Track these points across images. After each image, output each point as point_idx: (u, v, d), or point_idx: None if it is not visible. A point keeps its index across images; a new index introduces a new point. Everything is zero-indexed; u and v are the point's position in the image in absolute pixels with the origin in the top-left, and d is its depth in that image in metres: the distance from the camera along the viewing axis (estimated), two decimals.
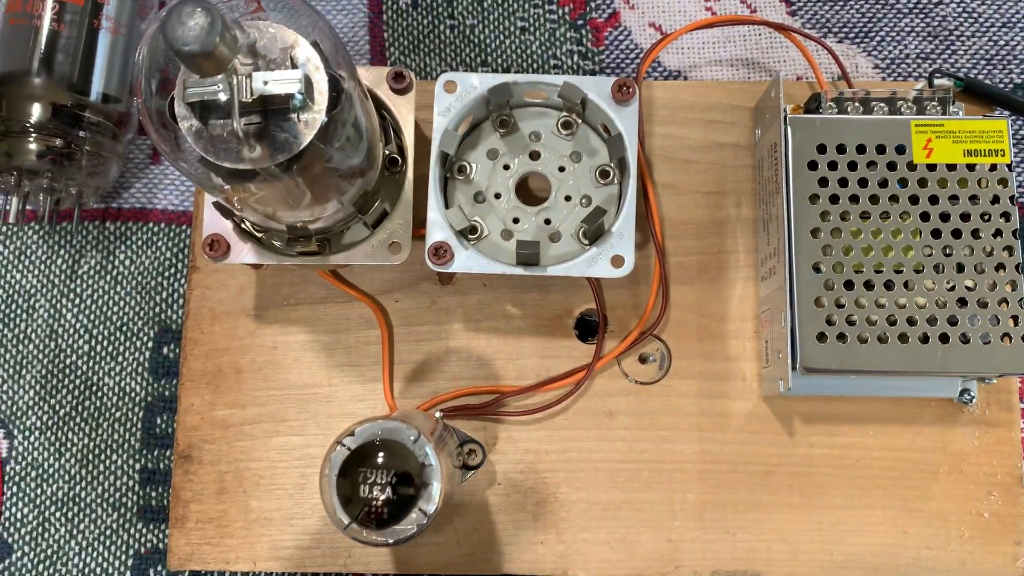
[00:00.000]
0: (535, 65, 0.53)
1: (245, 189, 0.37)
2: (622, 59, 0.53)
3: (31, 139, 0.46)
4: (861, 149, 0.44)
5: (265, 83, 0.34)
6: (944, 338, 0.43)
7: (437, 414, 0.46)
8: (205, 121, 0.34)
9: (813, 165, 0.44)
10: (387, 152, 0.44)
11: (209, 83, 0.33)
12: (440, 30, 0.54)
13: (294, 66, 0.35)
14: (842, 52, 0.53)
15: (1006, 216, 0.44)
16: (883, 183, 0.44)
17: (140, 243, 0.52)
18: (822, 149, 0.44)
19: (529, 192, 0.47)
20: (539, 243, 0.44)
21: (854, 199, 0.44)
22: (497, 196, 0.46)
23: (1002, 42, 0.53)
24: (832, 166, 0.44)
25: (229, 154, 0.35)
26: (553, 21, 0.54)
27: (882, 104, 0.46)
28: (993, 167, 0.44)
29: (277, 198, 0.39)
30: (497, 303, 0.49)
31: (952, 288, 0.43)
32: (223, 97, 0.33)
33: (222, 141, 0.34)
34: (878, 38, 0.53)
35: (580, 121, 0.47)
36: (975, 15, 0.53)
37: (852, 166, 0.44)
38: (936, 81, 0.49)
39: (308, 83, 0.35)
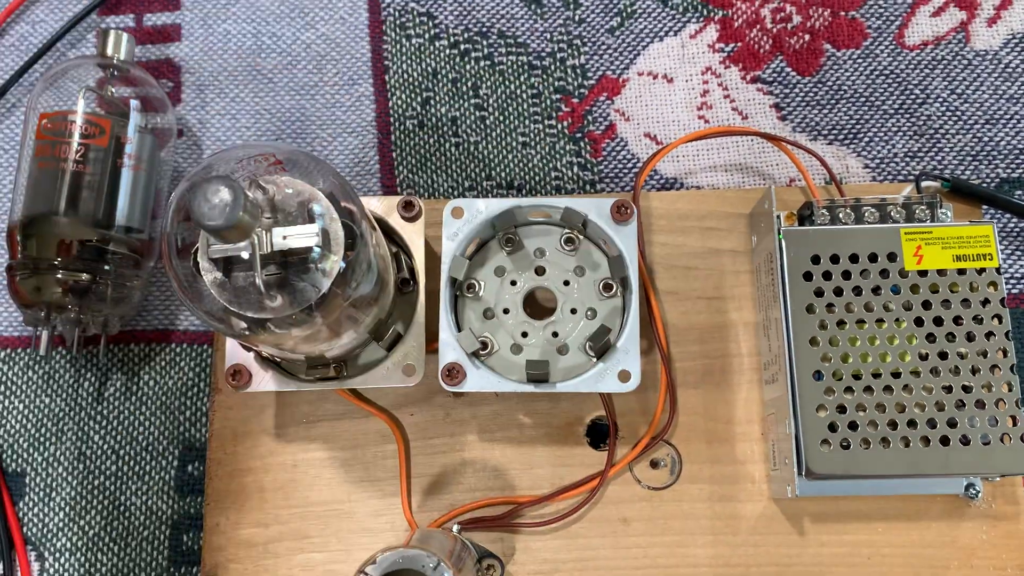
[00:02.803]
0: (537, 177, 0.56)
1: (267, 333, 0.39)
2: (620, 168, 0.56)
3: (59, 275, 0.48)
4: (854, 258, 0.46)
5: (284, 238, 0.36)
6: (945, 440, 0.44)
7: (455, 528, 0.47)
8: (228, 274, 0.37)
9: (808, 276, 0.46)
10: (399, 276, 0.46)
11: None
12: (446, 148, 0.57)
13: (311, 219, 0.37)
14: (832, 153, 0.55)
15: (998, 318, 0.45)
16: (876, 290, 0.46)
17: (163, 364, 0.54)
18: (816, 260, 0.46)
19: (536, 306, 0.49)
20: (548, 362, 0.45)
21: (849, 307, 0.45)
22: (506, 311, 0.48)
23: (986, 138, 0.55)
24: (826, 276, 0.46)
25: (251, 304, 0.37)
26: (553, 135, 0.56)
27: (873, 209, 0.48)
28: (982, 271, 0.46)
29: (297, 337, 0.41)
30: (509, 413, 0.50)
31: (950, 390, 0.44)
32: (245, 255, 0.35)
33: (244, 292, 0.36)
34: (866, 139, 0.56)
35: (582, 237, 0.49)
36: (959, 113, 0.56)
37: (846, 275, 0.46)
38: (924, 184, 0.51)
39: (325, 234, 0.37)
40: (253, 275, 0.36)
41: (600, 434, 0.50)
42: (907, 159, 0.55)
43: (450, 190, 0.56)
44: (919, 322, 0.45)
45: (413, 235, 0.48)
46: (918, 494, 0.48)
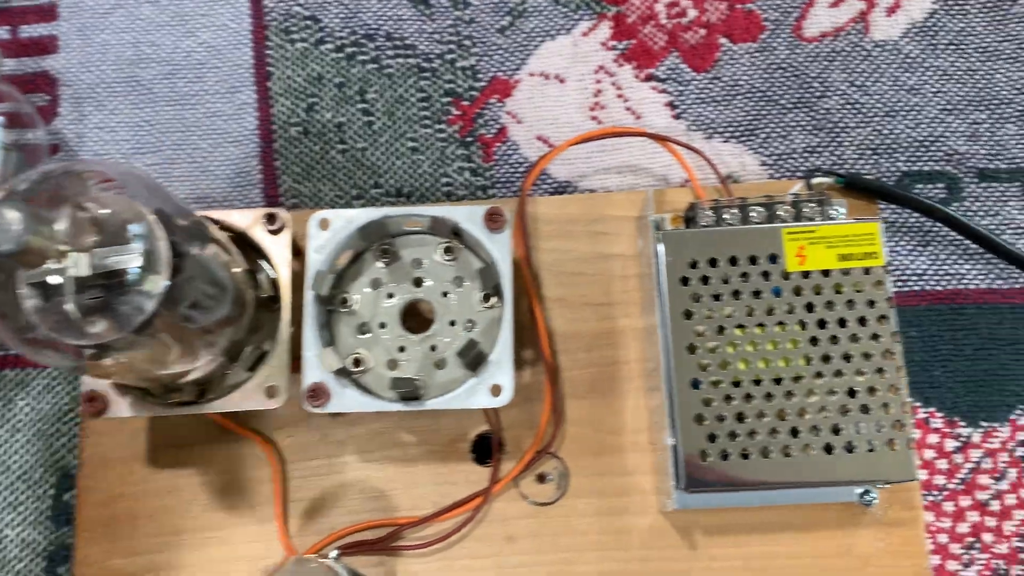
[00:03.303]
0: (427, 184, 0.54)
1: (101, 360, 0.37)
2: (512, 172, 0.54)
3: None
4: (733, 261, 0.44)
5: (104, 259, 0.34)
6: (828, 448, 0.42)
7: (333, 554, 0.45)
8: (49, 299, 0.35)
9: (685, 281, 0.44)
10: (260, 295, 0.44)
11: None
12: (331, 156, 0.55)
13: (134, 238, 0.35)
14: (729, 151, 0.54)
15: (883, 318, 0.43)
16: (757, 294, 0.44)
17: (39, 389, 0.52)
18: (694, 264, 0.44)
19: (414, 320, 0.47)
20: (414, 379, 0.43)
21: (729, 312, 0.44)
22: (382, 326, 0.46)
23: (886, 131, 0.54)
24: (705, 280, 0.44)
25: (72, 330, 0.35)
26: (443, 140, 0.55)
27: (760, 209, 0.47)
28: (867, 270, 0.44)
29: (137, 362, 0.39)
30: (390, 432, 0.48)
31: (834, 395, 0.43)
32: (56, 280, 0.33)
33: (64, 318, 0.34)
34: (764, 135, 0.54)
35: (462, 246, 0.47)
36: (858, 106, 0.54)
37: (725, 279, 0.44)
38: (815, 180, 0.50)
39: (149, 255, 0.35)
40: (69, 299, 0.34)
41: (486, 449, 0.49)
42: (806, 154, 0.54)
43: (336, 199, 0.54)
44: (802, 325, 0.43)
45: (279, 248, 0.46)
46: (813, 503, 0.46)
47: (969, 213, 0.52)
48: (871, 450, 0.42)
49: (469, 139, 0.55)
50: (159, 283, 0.35)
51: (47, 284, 0.34)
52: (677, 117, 0.54)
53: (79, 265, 0.33)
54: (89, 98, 0.56)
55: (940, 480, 0.49)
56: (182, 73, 0.56)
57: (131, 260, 0.34)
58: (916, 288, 0.51)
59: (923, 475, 0.49)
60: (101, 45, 0.57)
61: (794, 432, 0.42)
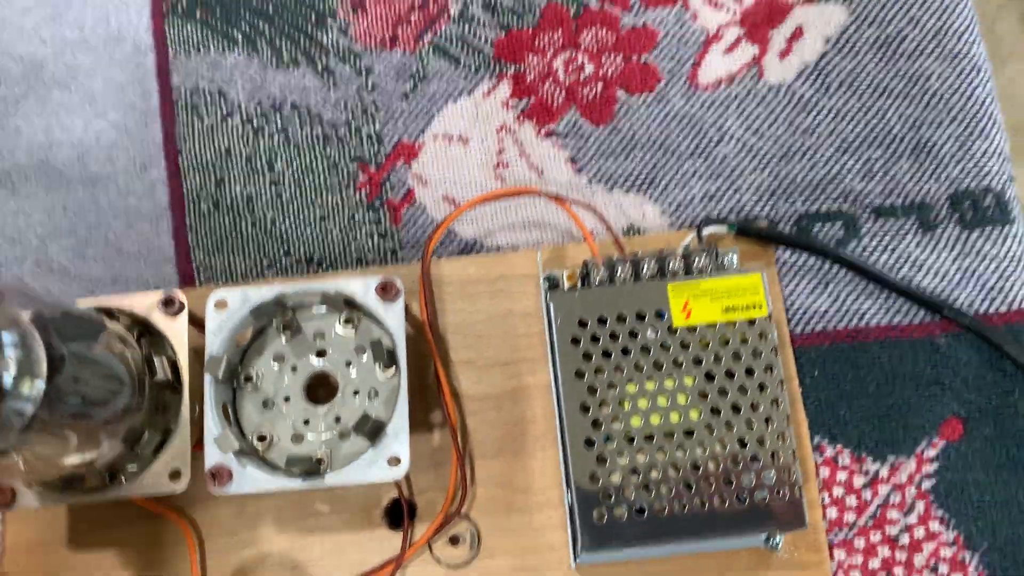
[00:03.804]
0: (337, 250, 0.55)
1: None
2: (420, 234, 0.55)
3: None
4: (622, 318, 0.45)
5: None
6: (722, 499, 0.43)
7: None
8: None
9: (576, 340, 0.45)
10: (160, 379, 0.45)
11: None
12: (242, 227, 0.56)
13: (7, 346, 0.36)
14: (630, 202, 0.55)
15: (769, 369, 0.44)
16: (646, 349, 0.45)
17: None
18: (583, 323, 0.45)
19: (318, 392, 0.48)
20: (311, 457, 0.44)
21: (619, 369, 0.45)
22: (286, 399, 0.47)
23: (782, 174, 0.55)
24: (594, 339, 0.45)
25: None
26: (351, 206, 0.56)
27: (652, 262, 0.48)
28: (752, 321, 0.45)
29: (36, 458, 0.40)
30: (305, 502, 0.49)
31: (725, 446, 0.44)
32: None
33: None
34: (663, 185, 0.55)
35: (362, 315, 0.48)
36: (753, 151, 0.55)
37: (614, 336, 0.45)
38: (706, 231, 0.51)
39: (24, 360, 0.36)
40: None
41: (399, 514, 0.49)
42: (705, 201, 0.55)
43: (248, 270, 0.55)
44: (691, 379, 0.44)
45: (177, 331, 0.46)
46: (724, 550, 0.47)
47: (867, 250, 0.53)
48: (763, 499, 0.43)
49: (377, 203, 0.56)
50: (36, 386, 0.36)
51: None
52: (579, 171, 0.56)
53: None
54: (3, 185, 0.57)
55: (851, 517, 0.50)
56: (93, 154, 0.57)
57: (4, 367, 0.35)
58: (818, 328, 0.52)
59: (833, 512, 0.50)
60: (13, 131, 0.58)
61: (688, 485, 0.43)
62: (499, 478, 0.49)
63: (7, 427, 0.36)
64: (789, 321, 0.52)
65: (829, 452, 0.51)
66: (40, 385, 0.36)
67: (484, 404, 0.50)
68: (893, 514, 0.50)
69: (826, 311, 0.53)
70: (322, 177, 0.56)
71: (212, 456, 0.44)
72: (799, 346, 0.52)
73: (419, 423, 0.50)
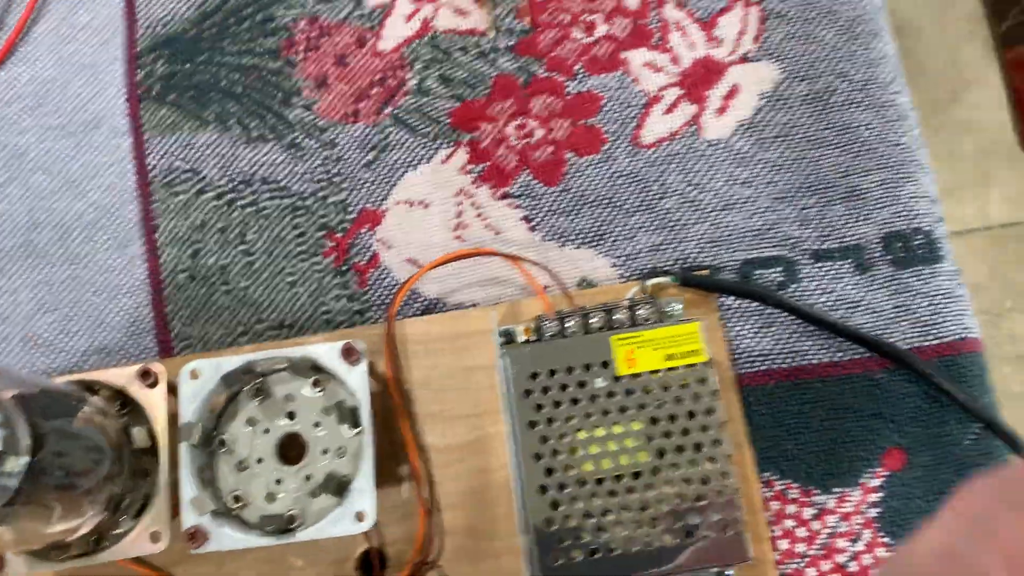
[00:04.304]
0: (307, 314, 0.58)
1: None
2: (386, 295, 0.58)
3: None
4: (570, 370, 0.48)
5: None
6: (672, 538, 0.46)
7: None
8: None
9: (527, 393, 0.48)
10: (139, 448, 0.48)
11: None
12: (216, 297, 0.59)
13: None
14: (581, 256, 0.58)
15: (709, 411, 0.47)
16: (594, 398, 0.48)
17: None
18: (535, 376, 0.48)
19: (290, 452, 0.51)
20: (282, 515, 0.47)
21: (569, 418, 0.47)
22: (259, 461, 0.50)
23: (722, 224, 0.58)
24: (545, 390, 0.48)
25: None
26: (319, 271, 0.59)
27: (601, 314, 0.51)
28: (692, 366, 0.48)
29: (20, 530, 0.42)
30: (279, 557, 0.52)
31: (672, 487, 0.46)
32: None
33: None
34: (612, 239, 0.58)
35: (329, 377, 0.51)
36: (696, 204, 0.59)
37: (563, 387, 0.48)
38: (650, 282, 0.54)
39: (7, 437, 0.39)
40: None
41: (370, 566, 0.52)
42: (652, 253, 0.58)
43: (223, 338, 0.58)
44: (638, 424, 0.47)
45: (154, 402, 0.49)
46: None
47: (807, 292, 0.56)
48: (708, 536, 0.46)
49: (344, 268, 0.59)
50: (19, 463, 0.39)
51: None
52: (533, 229, 0.59)
53: None
54: None
55: (801, 548, 0.52)
56: (75, 234, 0.61)
57: None
58: (763, 368, 0.55)
59: (784, 544, 0.52)
60: None
61: (638, 525, 0.46)
62: (466, 526, 0.52)
63: None
64: (736, 362, 0.55)
65: (778, 486, 0.53)
66: (23, 461, 0.39)
67: (449, 456, 0.53)
68: (841, 543, 0.52)
69: (770, 351, 0.56)
70: (292, 245, 0.60)
71: (189, 518, 0.47)
72: (746, 385, 0.55)
73: (388, 476, 0.53)
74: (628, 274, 0.58)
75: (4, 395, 0.39)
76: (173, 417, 0.50)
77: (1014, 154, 1.70)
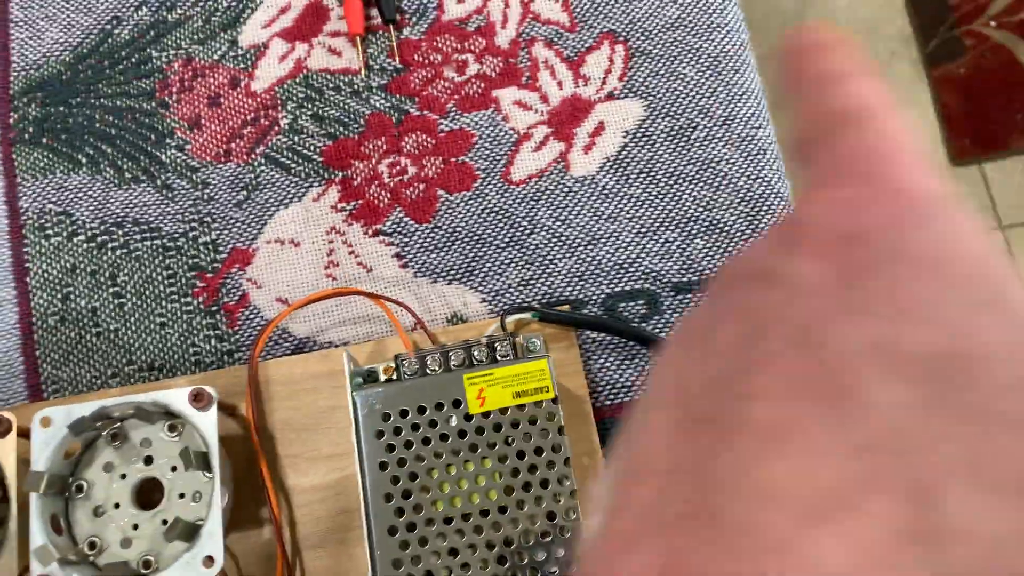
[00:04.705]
0: (176, 355, 0.58)
1: None
2: (255, 335, 0.58)
3: None
4: (422, 410, 0.49)
5: None
6: (519, 574, 0.46)
7: None
8: None
9: (380, 434, 0.48)
10: None
11: None
12: (87, 339, 0.59)
13: None
14: (452, 292, 0.59)
15: (556, 447, 0.48)
16: (444, 437, 0.48)
17: None
18: (387, 417, 0.49)
19: (150, 496, 0.51)
20: (125, 563, 0.47)
21: (420, 458, 0.48)
22: (116, 506, 0.50)
23: (588, 258, 0.59)
24: (397, 431, 0.48)
25: None
26: (189, 312, 0.59)
27: (460, 352, 0.51)
28: (540, 403, 0.49)
29: None
30: None
31: (518, 525, 0.47)
32: None
33: None
34: (482, 274, 0.59)
35: (185, 422, 0.51)
36: (562, 239, 0.60)
37: (415, 427, 0.48)
38: (510, 319, 0.55)
39: None
40: None
41: None
42: (520, 287, 0.59)
43: (93, 380, 0.58)
44: (488, 462, 0.48)
45: (5, 449, 0.49)
46: None
47: (669, 324, 0.58)
48: (555, 572, 0.46)
49: (214, 308, 0.59)
50: None
51: None
52: (404, 266, 0.60)
53: None
54: None
55: None
56: None
57: None
58: (627, 399, 0.56)
59: None
60: None
61: (484, 565, 0.47)
62: (327, 567, 0.52)
63: None
64: (600, 394, 0.56)
65: None
66: None
67: (311, 496, 0.53)
68: None
69: (632, 383, 0.57)
70: (162, 286, 0.60)
71: (35, 568, 0.46)
72: (610, 417, 0.56)
73: (251, 519, 0.53)
74: (497, 309, 0.59)
75: None
76: (26, 464, 0.49)
77: (945, 169, 1.75)
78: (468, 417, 0.49)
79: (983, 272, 0.16)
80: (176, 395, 0.49)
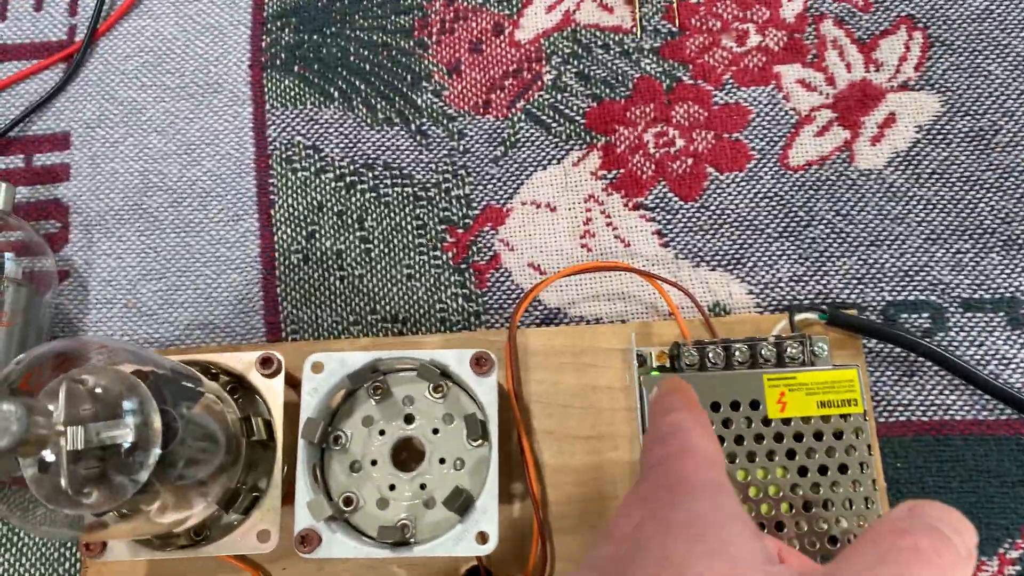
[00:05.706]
0: (422, 310, 0.55)
1: (96, 529, 0.38)
2: (504, 299, 0.55)
3: None
4: (715, 406, 0.45)
5: (98, 434, 0.35)
6: None
7: None
8: (43, 470, 0.36)
9: None
10: (254, 439, 0.46)
11: None
12: (331, 282, 0.56)
13: (127, 412, 0.36)
14: (716, 279, 0.55)
15: (863, 466, 0.44)
16: (739, 440, 0.45)
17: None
18: None
19: (405, 457, 0.48)
20: (401, 528, 0.45)
21: None
22: (373, 463, 0.47)
23: (871, 261, 0.55)
24: None
25: (67, 501, 0.36)
26: (438, 267, 0.56)
27: (743, 348, 0.48)
28: (846, 416, 0.45)
29: (131, 524, 0.40)
30: (383, 564, 0.49)
31: (815, 545, 0.43)
32: (51, 458, 0.35)
33: (59, 489, 0.36)
34: (750, 264, 0.55)
35: (451, 384, 0.48)
36: (843, 235, 0.55)
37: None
38: (798, 317, 0.51)
39: (142, 427, 0.36)
40: (63, 473, 0.35)
41: None
42: (791, 283, 0.55)
43: (334, 325, 0.56)
44: (783, 472, 0.44)
45: (273, 393, 0.47)
46: None
47: (954, 344, 0.53)
48: None
49: (463, 266, 0.56)
50: (152, 453, 0.36)
51: (43, 458, 0.36)
52: (665, 245, 0.56)
53: (75, 440, 0.35)
54: (98, 225, 0.58)
55: None
56: (187, 201, 0.58)
57: (124, 435, 0.35)
58: (902, 419, 0.52)
59: None
60: (110, 174, 0.59)
61: None
62: (578, 555, 0.49)
63: (119, 493, 0.36)
64: (874, 410, 0.52)
65: None
66: (156, 453, 0.36)
67: (564, 477, 0.50)
68: None
69: (911, 402, 0.52)
70: (410, 236, 0.57)
71: (303, 520, 0.44)
72: (883, 436, 0.52)
73: (500, 492, 0.50)
74: (765, 304, 0.54)
75: (139, 382, 0.37)
76: (286, 408, 0.47)
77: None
78: (767, 421, 0.45)
79: (714, 531, 0.25)
80: (454, 356, 0.46)
